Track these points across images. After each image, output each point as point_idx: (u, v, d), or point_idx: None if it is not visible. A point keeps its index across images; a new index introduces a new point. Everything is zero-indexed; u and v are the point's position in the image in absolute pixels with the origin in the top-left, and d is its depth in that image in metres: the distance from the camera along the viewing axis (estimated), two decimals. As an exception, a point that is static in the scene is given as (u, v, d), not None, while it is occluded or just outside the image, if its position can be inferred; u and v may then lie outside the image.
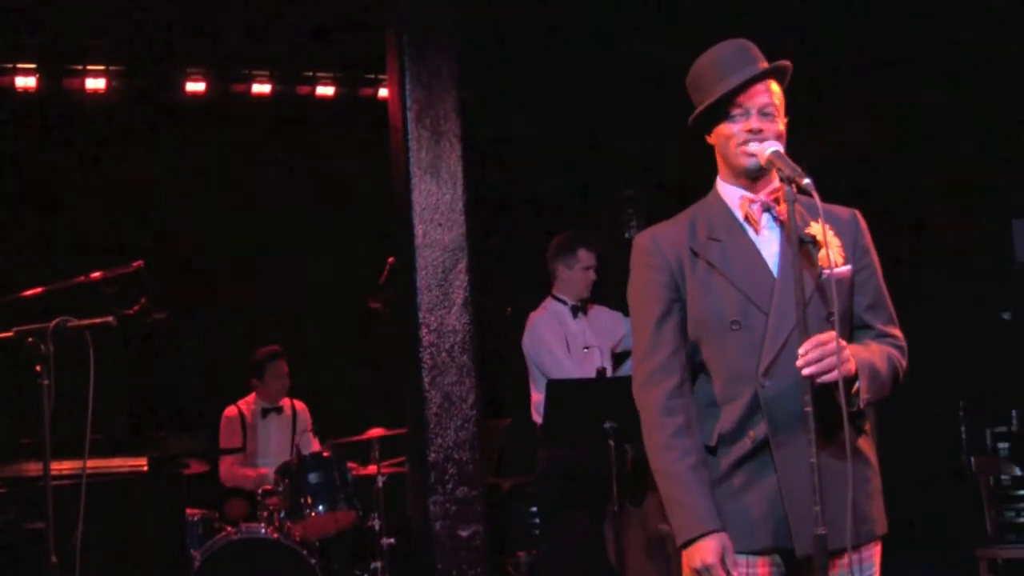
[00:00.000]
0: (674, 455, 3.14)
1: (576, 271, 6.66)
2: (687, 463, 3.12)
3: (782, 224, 3.17)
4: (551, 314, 6.68)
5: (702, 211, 3.30)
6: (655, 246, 3.26)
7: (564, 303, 6.69)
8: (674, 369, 3.20)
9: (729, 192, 3.27)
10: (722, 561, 3.08)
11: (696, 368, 3.24)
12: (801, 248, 3.10)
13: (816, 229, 3.15)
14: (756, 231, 3.22)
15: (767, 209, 3.21)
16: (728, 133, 3.21)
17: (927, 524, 7.99)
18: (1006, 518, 7.11)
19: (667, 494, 3.17)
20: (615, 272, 6.54)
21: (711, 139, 3.30)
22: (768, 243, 3.21)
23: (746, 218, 3.23)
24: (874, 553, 3.22)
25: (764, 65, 3.23)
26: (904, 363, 3.26)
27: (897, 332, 3.30)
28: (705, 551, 3.08)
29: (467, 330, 5.94)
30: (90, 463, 4.66)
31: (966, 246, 8.98)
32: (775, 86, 3.26)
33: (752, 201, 3.22)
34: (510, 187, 9.65)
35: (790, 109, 3.28)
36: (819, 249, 3.14)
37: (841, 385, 2.97)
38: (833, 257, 3.12)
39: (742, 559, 3.13)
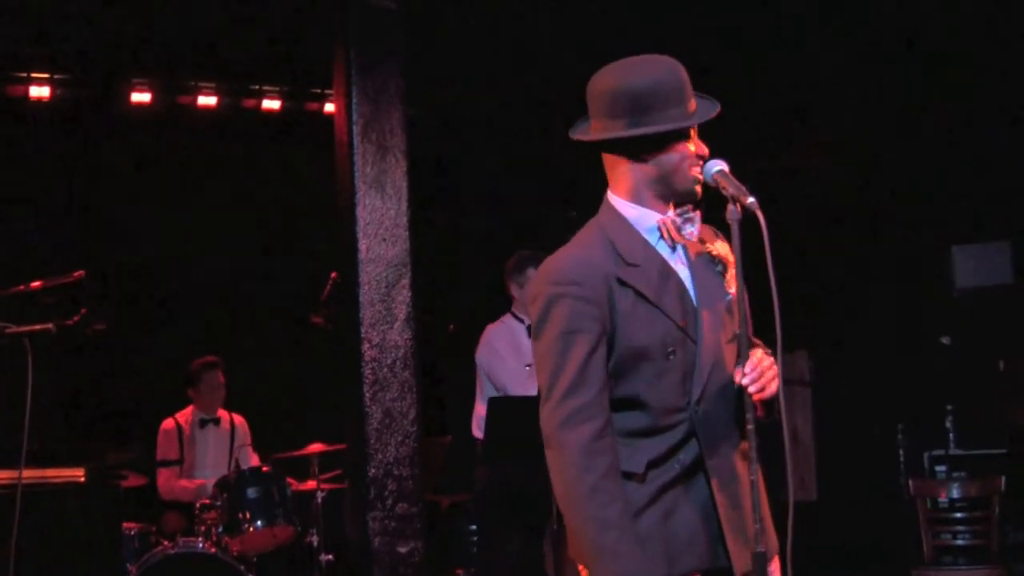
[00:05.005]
0: (603, 499, 2.96)
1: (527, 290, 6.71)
2: (617, 509, 2.97)
3: (683, 245, 3.15)
4: (507, 328, 6.74)
5: (612, 234, 3.15)
6: (581, 275, 3.06)
7: (521, 321, 6.72)
8: (601, 408, 3.02)
9: (642, 214, 3.15)
10: None
11: (617, 400, 3.08)
12: (713, 269, 3.15)
13: (720, 248, 3.17)
14: (674, 251, 3.15)
15: (678, 229, 3.13)
16: (685, 152, 3.11)
17: (865, 545, 8.06)
18: (942, 540, 7.17)
19: (595, 539, 2.97)
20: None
21: (649, 157, 3.12)
22: (680, 266, 3.16)
23: (660, 239, 3.14)
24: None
25: (687, 82, 3.15)
26: None
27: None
28: None
29: (409, 346, 5.93)
30: (26, 473, 4.62)
31: (907, 271, 9.08)
32: None
33: (673, 221, 3.13)
34: (456, 205, 9.65)
35: (743, 134, 3.28)
36: (726, 270, 3.15)
37: (781, 396, 3.01)
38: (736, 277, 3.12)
39: None
